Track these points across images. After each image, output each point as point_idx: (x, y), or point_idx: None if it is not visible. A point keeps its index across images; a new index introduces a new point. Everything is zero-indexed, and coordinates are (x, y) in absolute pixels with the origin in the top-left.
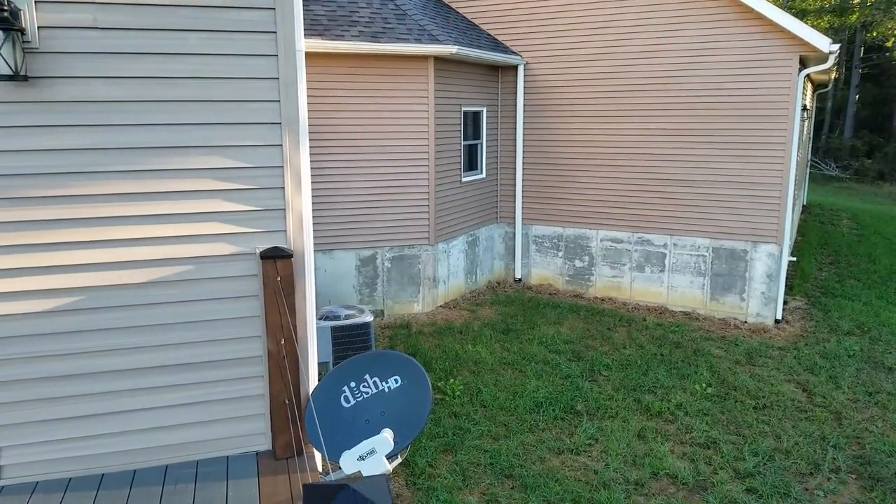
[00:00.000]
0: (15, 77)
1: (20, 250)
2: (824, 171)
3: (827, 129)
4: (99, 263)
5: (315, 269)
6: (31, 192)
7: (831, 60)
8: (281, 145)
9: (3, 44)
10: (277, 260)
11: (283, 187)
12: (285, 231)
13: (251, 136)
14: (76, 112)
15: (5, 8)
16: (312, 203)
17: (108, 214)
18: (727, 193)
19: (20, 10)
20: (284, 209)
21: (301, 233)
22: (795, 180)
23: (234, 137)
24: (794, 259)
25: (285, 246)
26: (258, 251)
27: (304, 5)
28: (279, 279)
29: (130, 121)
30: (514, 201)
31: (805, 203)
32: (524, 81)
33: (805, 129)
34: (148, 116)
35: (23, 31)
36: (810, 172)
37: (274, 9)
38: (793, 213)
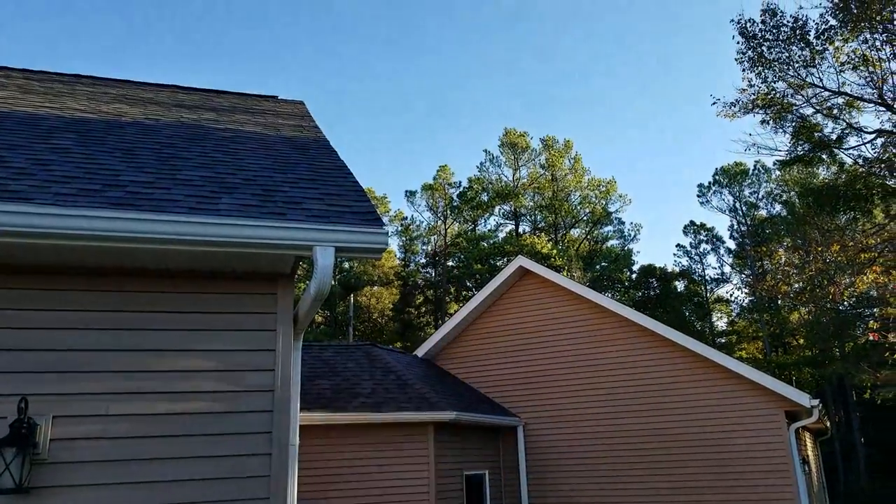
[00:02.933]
0: (17, 490)
1: None
2: None
3: (842, 473)
4: None
5: None
6: None
7: (816, 414)
8: None
9: (13, 459)
10: None
11: None
12: None
13: None
14: None
15: (25, 425)
16: None
17: None
18: None
19: (38, 425)
20: None
21: None
22: None
23: None
24: None
25: None
26: None
27: (310, 381)
28: None
29: None
30: None
31: None
32: (525, 443)
33: (814, 479)
34: None
35: (35, 445)
36: None
37: (272, 411)
38: None
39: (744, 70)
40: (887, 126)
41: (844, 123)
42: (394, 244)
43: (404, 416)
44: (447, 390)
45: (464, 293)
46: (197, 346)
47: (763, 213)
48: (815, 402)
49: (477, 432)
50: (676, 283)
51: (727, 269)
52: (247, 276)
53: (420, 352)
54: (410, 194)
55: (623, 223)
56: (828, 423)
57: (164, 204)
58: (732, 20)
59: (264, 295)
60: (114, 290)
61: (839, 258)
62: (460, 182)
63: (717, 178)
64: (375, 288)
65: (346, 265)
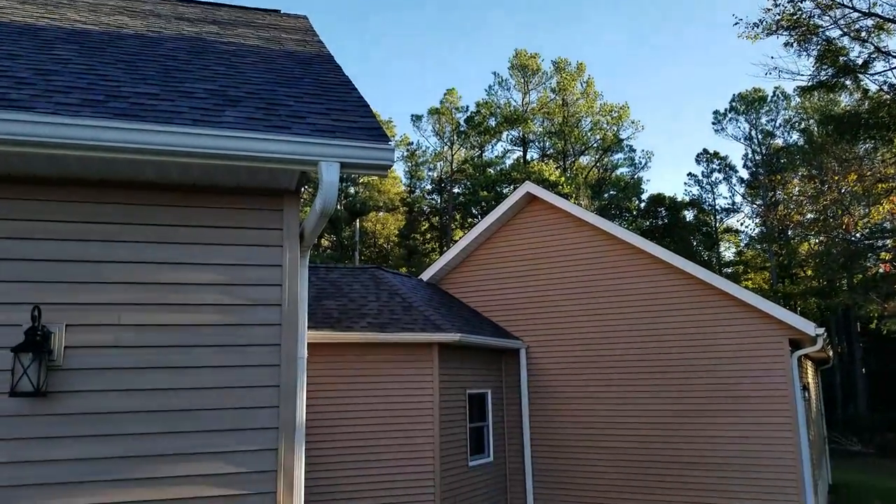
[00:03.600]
0: (36, 394)
1: None
2: (847, 447)
3: (841, 402)
4: None
5: None
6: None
7: (820, 343)
8: (276, 449)
9: (30, 364)
10: None
11: (276, 491)
12: None
13: (249, 441)
14: (88, 423)
15: (39, 333)
16: (308, 494)
17: None
18: (741, 477)
19: (52, 332)
20: None
21: None
22: (812, 460)
23: (233, 444)
24: None
25: None
26: None
27: (317, 302)
28: None
29: (139, 430)
30: (525, 486)
31: (831, 483)
32: (527, 365)
33: (812, 406)
34: (155, 425)
35: (50, 352)
36: (832, 448)
37: (280, 325)
38: (815, 495)
39: None
40: None
41: (872, 47)
42: (399, 170)
43: (410, 337)
44: (452, 313)
45: (469, 220)
46: (205, 260)
47: (779, 141)
48: (820, 330)
49: (480, 353)
50: (686, 212)
51: (738, 199)
52: (253, 191)
53: (425, 276)
54: (416, 118)
55: (634, 150)
56: (830, 353)
57: (169, 115)
58: None
59: (270, 211)
60: (123, 202)
61: (855, 188)
62: (467, 106)
63: (733, 104)
64: (381, 214)
65: (352, 190)
